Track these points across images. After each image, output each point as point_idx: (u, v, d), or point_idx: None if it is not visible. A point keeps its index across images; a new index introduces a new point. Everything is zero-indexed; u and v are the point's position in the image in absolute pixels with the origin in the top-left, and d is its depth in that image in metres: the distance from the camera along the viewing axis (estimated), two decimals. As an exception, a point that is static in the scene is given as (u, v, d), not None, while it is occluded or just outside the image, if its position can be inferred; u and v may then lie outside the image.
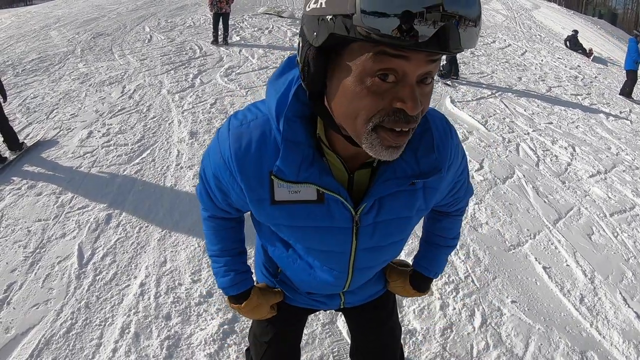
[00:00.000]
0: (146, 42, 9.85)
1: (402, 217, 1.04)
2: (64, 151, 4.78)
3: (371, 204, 0.98)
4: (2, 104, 4.71)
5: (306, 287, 1.27)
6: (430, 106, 0.88)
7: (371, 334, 1.51)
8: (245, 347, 2.01)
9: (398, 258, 1.44)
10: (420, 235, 1.43)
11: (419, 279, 1.40)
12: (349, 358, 2.36)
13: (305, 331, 2.49)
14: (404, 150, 0.90)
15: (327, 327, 2.57)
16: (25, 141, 4.97)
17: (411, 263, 1.46)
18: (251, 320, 1.57)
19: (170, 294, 2.82)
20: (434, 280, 2.91)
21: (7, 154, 4.71)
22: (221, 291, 1.27)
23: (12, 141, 4.75)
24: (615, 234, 3.85)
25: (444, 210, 1.32)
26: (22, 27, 12.65)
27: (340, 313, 2.61)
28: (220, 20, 9.63)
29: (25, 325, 2.58)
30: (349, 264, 1.10)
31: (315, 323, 2.58)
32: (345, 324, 2.54)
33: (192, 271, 3.03)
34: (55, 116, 5.78)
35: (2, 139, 4.71)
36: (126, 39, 10.12)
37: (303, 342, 2.41)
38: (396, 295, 1.50)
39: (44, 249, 3.24)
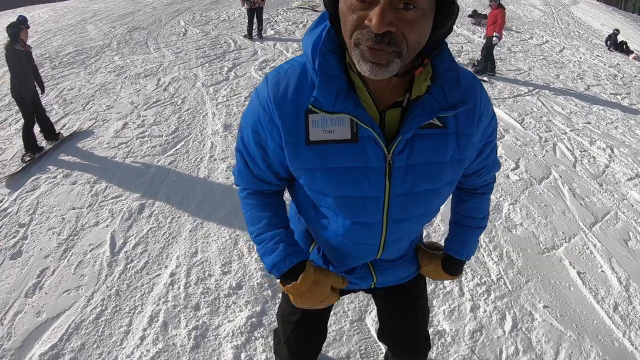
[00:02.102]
0: (181, 35, 9.98)
1: (434, 162, 1.03)
2: (99, 142, 4.88)
3: (403, 144, 0.98)
4: (40, 96, 4.84)
5: (340, 258, 1.26)
6: None
7: (400, 317, 1.52)
8: (274, 327, 2.02)
9: (432, 240, 1.42)
10: (449, 219, 1.41)
11: (451, 263, 1.39)
12: (376, 356, 2.34)
13: (333, 327, 2.47)
14: (432, 87, 0.96)
15: (355, 324, 2.54)
16: (61, 131, 5.10)
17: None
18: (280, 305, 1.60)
19: (200, 284, 2.84)
20: (466, 280, 2.89)
21: (43, 143, 4.84)
22: (267, 277, 1.26)
23: (49, 131, 4.88)
24: (654, 241, 3.69)
25: (470, 187, 1.32)
26: (59, 22, 12.99)
27: (370, 309, 2.59)
28: (255, 14, 9.65)
29: (56, 310, 2.65)
30: (383, 213, 1.08)
31: (344, 320, 2.56)
32: (374, 322, 2.52)
33: (223, 263, 3.04)
34: (91, 107, 5.91)
35: (39, 129, 4.84)
36: (161, 33, 10.27)
37: (330, 339, 2.40)
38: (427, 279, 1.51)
39: (77, 237, 3.32)
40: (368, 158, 0.99)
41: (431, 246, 1.43)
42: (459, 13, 0.92)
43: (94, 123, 5.38)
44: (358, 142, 0.98)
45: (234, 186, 1.41)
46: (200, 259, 3.08)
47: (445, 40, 0.96)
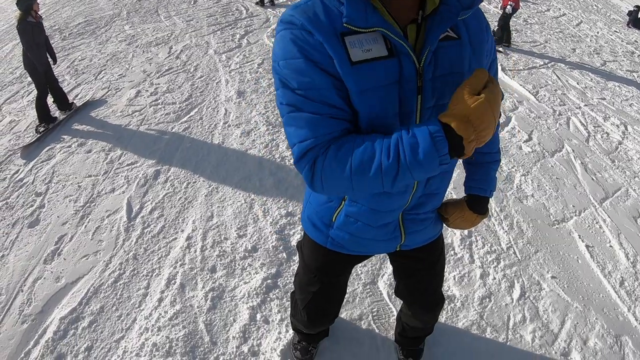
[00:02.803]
0: (192, 3, 9.82)
1: (455, 72, 1.06)
2: (113, 110, 4.91)
3: (431, 56, 1.02)
4: (52, 66, 4.85)
5: (374, 207, 1.26)
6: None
7: (421, 275, 1.59)
8: (291, 291, 2.07)
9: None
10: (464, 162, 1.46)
11: (476, 201, 1.42)
12: (388, 318, 2.40)
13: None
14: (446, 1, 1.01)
15: (368, 287, 2.60)
16: (74, 101, 5.13)
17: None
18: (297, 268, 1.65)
19: (216, 247, 2.90)
20: (477, 248, 2.92)
21: (57, 114, 4.88)
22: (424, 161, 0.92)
23: (62, 101, 4.91)
24: (663, 220, 3.69)
25: None
26: (68, -8, 12.85)
27: (382, 273, 2.65)
28: None
29: (75, 275, 2.73)
30: None
31: (357, 282, 2.62)
32: (386, 285, 2.58)
33: (238, 226, 3.10)
34: (103, 77, 5.92)
35: (52, 99, 4.87)
36: (172, 1, 10.11)
37: (343, 301, 2.46)
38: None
39: (93, 203, 3.38)
40: (403, 71, 1.00)
41: (450, 200, 1.46)
42: None
43: (106, 92, 5.40)
44: (395, 56, 0.99)
45: (291, 166, 1.38)
46: (216, 222, 3.14)
47: None
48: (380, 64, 0.98)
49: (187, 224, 3.12)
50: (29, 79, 4.81)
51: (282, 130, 4.33)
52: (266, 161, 3.89)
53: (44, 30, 4.78)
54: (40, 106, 4.63)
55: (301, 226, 3.05)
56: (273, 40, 6.04)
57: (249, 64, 6.22)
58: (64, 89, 5.13)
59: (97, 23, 8.65)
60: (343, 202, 1.31)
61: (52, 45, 5.29)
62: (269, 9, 9.22)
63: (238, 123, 4.56)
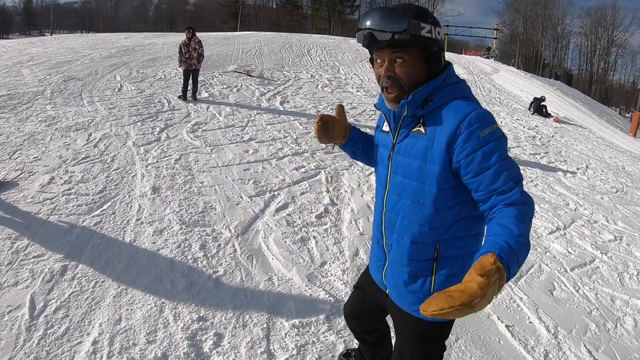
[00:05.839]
0: (116, 90, 9.88)
1: (413, 157, 1.53)
2: (24, 195, 4.66)
3: (402, 138, 1.59)
4: None
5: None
6: None
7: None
8: None
9: None
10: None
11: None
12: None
13: None
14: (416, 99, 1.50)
15: None
16: (-17, 180, 4.84)
17: None
18: None
19: (124, 354, 2.70)
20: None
21: (-36, 190, 4.57)
22: None
23: (-29, 179, 4.63)
24: (577, 288, 3.94)
25: (486, 209, 1.44)
26: (-5, 61, 12.55)
27: None
28: (190, 75, 9.76)
29: (-34, 377, 2.44)
30: (385, 192, 1.66)
31: None
32: None
33: (148, 331, 2.91)
34: (18, 157, 5.69)
35: None
36: (97, 86, 10.12)
37: None
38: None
39: (-6, 297, 3.09)
40: (388, 143, 1.65)
41: None
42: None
43: (19, 174, 5.14)
44: (389, 133, 1.65)
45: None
46: (124, 326, 2.94)
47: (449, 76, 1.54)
48: (382, 135, 1.72)
49: (93, 327, 2.90)
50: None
51: (196, 230, 4.23)
52: (178, 262, 3.71)
53: None
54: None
55: (213, 332, 2.95)
56: (192, 136, 6.13)
57: (166, 159, 6.12)
58: (-26, 165, 4.87)
59: (20, 98, 8.44)
60: None
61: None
62: (190, 104, 9.40)
63: (151, 220, 4.37)
